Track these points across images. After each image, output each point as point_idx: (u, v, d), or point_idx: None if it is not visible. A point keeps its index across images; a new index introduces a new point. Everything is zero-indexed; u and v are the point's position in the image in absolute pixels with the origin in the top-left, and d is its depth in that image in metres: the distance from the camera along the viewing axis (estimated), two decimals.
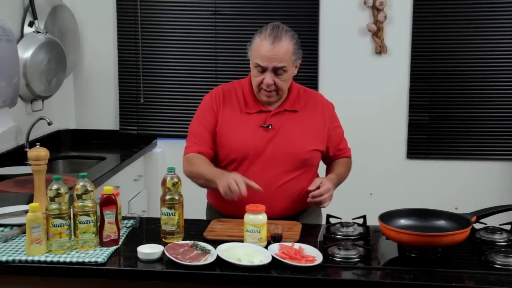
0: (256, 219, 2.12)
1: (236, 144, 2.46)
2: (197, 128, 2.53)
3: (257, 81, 2.42)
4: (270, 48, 2.35)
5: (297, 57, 2.43)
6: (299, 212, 2.49)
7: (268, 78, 2.38)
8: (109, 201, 2.08)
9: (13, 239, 2.14)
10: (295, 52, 2.40)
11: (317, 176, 2.59)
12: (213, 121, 2.50)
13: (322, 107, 2.55)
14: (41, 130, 3.84)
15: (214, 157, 2.53)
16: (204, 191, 2.59)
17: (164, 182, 2.17)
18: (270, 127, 2.46)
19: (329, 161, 2.64)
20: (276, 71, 2.37)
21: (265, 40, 2.36)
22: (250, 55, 2.43)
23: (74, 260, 1.97)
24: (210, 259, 1.96)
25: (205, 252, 2.00)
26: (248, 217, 2.12)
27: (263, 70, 2.38)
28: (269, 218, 2.33)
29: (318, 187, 2.37)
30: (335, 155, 2.61)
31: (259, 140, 2.45)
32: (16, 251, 2.03)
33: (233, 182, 2.26)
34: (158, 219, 2.23)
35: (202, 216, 2.61)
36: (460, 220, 2.14)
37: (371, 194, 4.17)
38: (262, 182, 2.41)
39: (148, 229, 2.33)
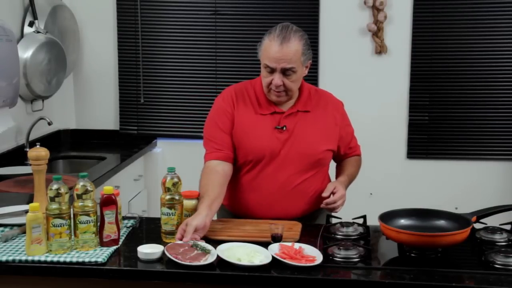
0: (189, 204, 2.23)
1: (253, 146, 2.43)
2: (215, 132, 2.46)
3: (267, 82, 2.41)
4: (279, 49, 2.33)
5: (307, 57, 2.41)
6: (312, 212, 2.49)
7: (277, 79, 2.37)
8: (109, 201, 2.08)
9: (13, 239, 2.14)
10: (304, 53, 2.38)
11: (328, 175, 2.59)
12: (229, 123, 2.45)
13: (332, 106, 2.54)
14: (41, 130, 3.84)
15: (234, 158, 2.47)
16: None
17: (164, 182, 2.17)
18: (284, 128, 2.45)
19: (340, 160, 2.63)
20: (285, 72, 2.36)
21: (274, 41, 2.35)
22: (260, 55, 2.42)
23: (74, 260, 1.97)
24: (210, 259, 1.96)
25: (205, 252, 2.00)
26: (183, 203, 2.21)
27: (272, 71, 2.37)
28: (284, 219, 2.34)
29: (332, 193, 2.39)
30: (345, 154, 2.61)
31: (274, 142, 2.43)
32: (16, 251, 2.03)
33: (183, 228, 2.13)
34: (158, 219, 2.23)
35: None
36: (460, 220, 2.14)
37: (371, 194, 4.17)
38: (276, 184, 2.43)
39: (148, 229, 2.33)
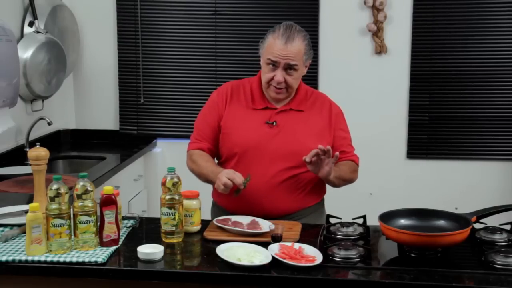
0: (189, 204, 2.22)
1: (239, 139, 2.47)
2: (201, 125, 2.60)
3: (267, 78, 2.44)
4: (283, 47, 2.38)
5: (308, 57, 2.46)
6: (300, 211, 2.50)
7: (279, 75, 2.40)
8: (109, 201, 2.08)
9: (13, 239, 2.14)
10: (307, 53, 2.44)
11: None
12: (216, 118, 2.53)
13: (329, 109, 2.55)
14: (41, 130, 3.84)
15: (215, 153, 2.59)
16: (206, 191, 2.58)
17: (164, 182, 2.17)
18: (274, 123, 2.47)
19: None
20: (287, 68, 2.40)
21: (278, 40, 2.39)
22: (262, 52, 2.46)
23: (74, 260, 1.97)
24: (265, 227, 2.20)
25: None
26: (183, 203, 2.21)
27: (275, 66, 2.40)
28: (270, 214, 2.34)
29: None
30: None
31: (262, 136, 2.46)
32: (16, 251, 2.03)
33: (227, 177, 2.31)
34: (158, 219, 2.23)
35: (205, 215, 2.60)
36: (460, 220, 2.14)
37: (371, 194, 4.17)
38: (264, 178, 2.44)
39: (148, 229, 2.33)
